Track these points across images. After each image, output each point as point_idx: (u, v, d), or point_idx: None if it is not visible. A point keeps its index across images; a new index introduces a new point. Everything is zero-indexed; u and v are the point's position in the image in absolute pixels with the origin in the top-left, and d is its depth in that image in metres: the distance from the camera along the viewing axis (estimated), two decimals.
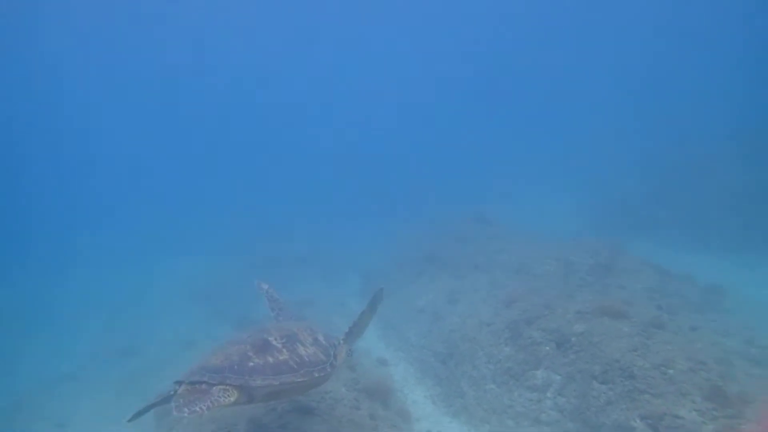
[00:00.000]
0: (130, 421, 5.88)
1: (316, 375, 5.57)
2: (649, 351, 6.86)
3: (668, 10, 39.21)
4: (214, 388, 5.01)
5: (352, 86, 58.35)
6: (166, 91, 56.57)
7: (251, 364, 5.30)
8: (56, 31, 43.55)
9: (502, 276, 11.27)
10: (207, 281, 20.83)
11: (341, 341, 6.31)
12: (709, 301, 10.22)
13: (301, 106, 57.33)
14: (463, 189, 26.89)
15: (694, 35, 36.21)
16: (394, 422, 7.40)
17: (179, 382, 5.21)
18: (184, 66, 55.45)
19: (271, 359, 5.43)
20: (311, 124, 53.48)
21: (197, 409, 4.71)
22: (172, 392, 5.27)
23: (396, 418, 7.65)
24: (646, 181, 19.04)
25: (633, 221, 17.35)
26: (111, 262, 26.79)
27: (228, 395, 4.99)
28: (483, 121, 44.14)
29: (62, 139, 53.76)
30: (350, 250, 22.28)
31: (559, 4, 47.46)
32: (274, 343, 5.66)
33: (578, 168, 25.39)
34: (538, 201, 23.31)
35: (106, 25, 45.62)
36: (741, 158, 16.46)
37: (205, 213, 34.30)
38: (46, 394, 13.96)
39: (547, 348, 7.82)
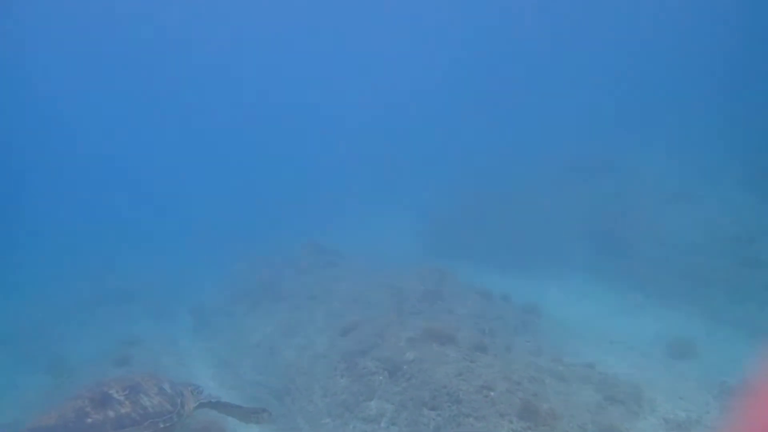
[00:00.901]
0: None
1: (162, 426, 5.50)
2: (473, 374, 7.28)
3: None
4: None
5: None
6: None
7: (89, 420, 5.14)
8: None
9: (338, 306, 11.34)
10: (10, 322, 18.36)
11: (191, 391, 6.30)
12: (526, 322, 11.19)
13: None
14: (298, 217, 26.75)
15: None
16: None
17: None
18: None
19: (112, 413, 5.28)
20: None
21: None
22: None
23: None
24: (466, 206, 20.50)
25: (457, 244, 18.59)
26: None
27: None
28: (309, 144, 44.01)
29: None
30: (180, 284, 21.05)
31: None
32: (116, 395, 5.48)
33: (410, 191, 26.48)
34: (375, 225, 23.99)
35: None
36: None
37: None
38: None
39: (381, 377, 7.96)
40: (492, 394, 6.87)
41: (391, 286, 11.34)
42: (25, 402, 11.84)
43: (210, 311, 15.66)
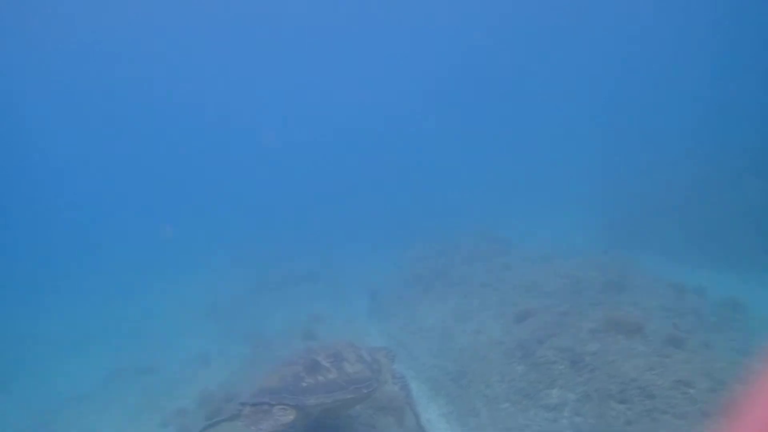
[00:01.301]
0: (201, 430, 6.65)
1: (365, 392, 6.09)
2: (667, 370, 6.73)
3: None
4: (275, 408, 5.59)
5: (347, 99, 58.10)
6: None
7: (304, 384, 5.84)
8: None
9: (511, 293, 11.17)
10: (215, 300, 20.87)
11: (384, 355, 7.02)
12: (728, 320, 10.05)
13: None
14: (468, 206, 26.88)
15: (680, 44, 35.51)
16: None
17: (244, 404, 5.80)
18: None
19: (322, 378, 5.95)
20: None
21: (263, 428, 5.35)
22: (237, 412, 5.98)
23: None
24: (655, 193, 18.92)
25: (641, 236, 17.27)
26: (116, 283, 26.73)
27: (287, 414, 5.54)
28: (481, 134, 43.83)
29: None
30: (357, 268, 22.27)
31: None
32: (323, 363, 6.14)
33: (584, 181, 25.29)
34: (544, 216, 23.24)
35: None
36: (756, 173, 16.45)
37: (205, 230, 34.28)
38: (63, 414, 13.91)
39: (561, 367, 7.71)
40: (691, 391, 6.31)
41: (567, 276, 10.90)
42: (231, 367, 13.36)
43: (385, 294, 16.34)
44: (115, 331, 20.42)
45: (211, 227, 35.02)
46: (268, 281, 21.71)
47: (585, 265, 11.30)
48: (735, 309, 10.19)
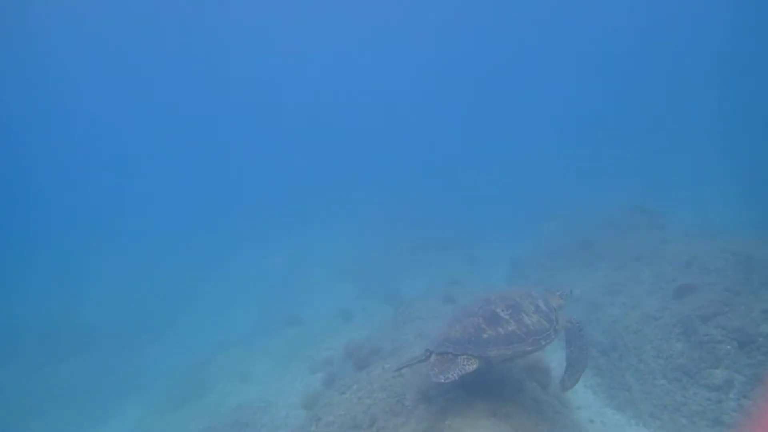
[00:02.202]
0: (395, 371, 7.35)
1: (543, 343, 6.27)
2: None
3: None
4: (459, 358, 5.96)
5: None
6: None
7: (485, 336, 6.13)
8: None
9: (669, 269, 10.62)
10: (355, 262, 21.94)
11: (558, 296, 7.17)
12: None
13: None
14: (615, 178, 25.62)
15: None
16: (556, 408, 7.36)
17: (430, 352, 6.25)
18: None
19: (501, 330, 6.20)
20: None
21: (450, 376, 5.73)
22: (423, 357, 6.34)
23: (557, 404, 7.60)
24: None
25: None
26: (263, 244, 29.03)
27: (470, 363, 5.89)
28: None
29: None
30: (493, 239, 22.26)
31: None
32: (502, 314, 6.37)
33: (742, 154, 22.99)
34: (698, 190, 21.53)
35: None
36: None
37: (346, 198, 35.84)
38: (217, 358, 15.64)
39: (728, 347, 7.31)
40: None
41: (735, 253, 10.12)
42: (373, 324, 14.11)
43: (525, 263, 16.23)
44: (261, 286, 22.36)
45: (342, 195, 36.57)
46: (401, 246, 22.40)
47: (757, 243, 10.42)
48: None
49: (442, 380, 5.75)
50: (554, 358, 9.82)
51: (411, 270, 19.74)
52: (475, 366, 5.90)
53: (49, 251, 31.71)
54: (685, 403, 7.22)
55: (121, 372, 16.74)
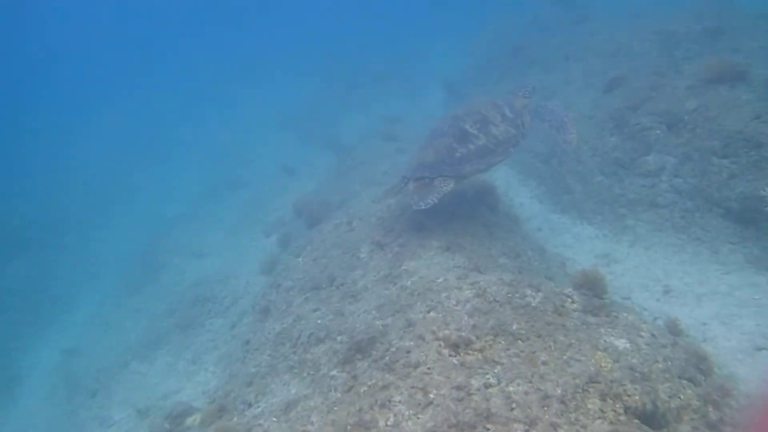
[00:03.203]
0: (376, 201, 7.49)
1: (511, 150, 6.64)
2: None
3: None
4: (435, 180, 6.26)
5: None
6: None
7: (458, 155, 6.40)
8: None
9: (597, 62, 10.53)
10: (293, 111, 21.39)
11: (522, 96, 7.23)
12: None
13: None
14: None
15: None
16: (506, 227, 7.61)
17: (407, 179, 6.59)
18: None
19: (472, 146, 6.46)
20: None
21: (430, 200, 6.06)
22: (401, 185, 6.74)
23: (507, 222, 7.86)
24: None
25: None
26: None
27: (447, 184, 6.22)
28: None
29: None
30: (427, 60, 21.68)
31: None
32: (471, 130, 6.57)
33: None
34: None
35: None
36: None
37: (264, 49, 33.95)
38: (172, 233, 15.62)
39: (658, 132, 7.47)
40: None
41: (658, 32, 9.98)
42: (318, 176, 14.05)
43: (459, 84, 15.96)
44: (196, 152, 21.82)
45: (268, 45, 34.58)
46: (335, 86, 21.77)
47: (678, 17, 10.27)
48: None
49: (423, 206, 6.03)
50: (498, 176, 10.05)
51: (348, 111, 19.40)
52: (451, 185, 6.23)
53: None
54: (623, 194, 7.53)
55: (70, 265, 16.67)
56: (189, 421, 6.42)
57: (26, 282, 15.90)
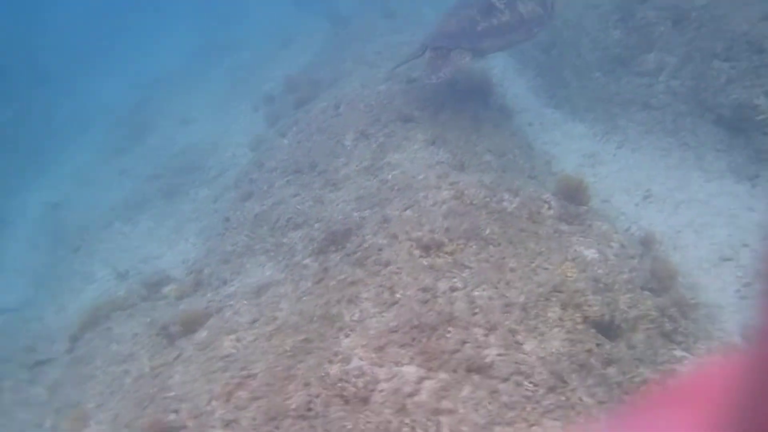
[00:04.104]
0: (391, 70, 7.59)
1: (535, 30, 6.55)
2: None
3: None
4: (452, 52, 6.15)
5: None
6: None
7: (479, 28, 6.23)
8: None
9: None
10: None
11: None
12: None
13: None
14: None
15: None
16: (496, 121, 7.46)
17: (425, 46, 6.40)
18: None
19: (495, 21, 6.27)
20: None
21: (442, 74, 6.06)
22: (419, 53, 6.56)
23: (497, 116, 7.70)
24: None
25: None
26: None
27: (463, 57, 6.16)
28: None
29: None
30: None
31: None
32: (497, 4, 6.34)
33: None
34: None
35: None
36: None
37: None
38: (162, 93, 15.33)
39: (662, 28, 7.08)
40: None
41: None
42: (313, 47, 13.40)
43: None
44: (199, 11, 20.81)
45: None
46: None
47: None
48: None
49: (434, 80, 6.09)
50: (496, 63, 9.69)
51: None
52: (468, 59, 6.19)
53: None
54: (618, 93, 7.31)
55: (58, 116, 16.51)
56: (165, 290, 6.63)
57: (14, 128, 15.77)
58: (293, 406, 3.23)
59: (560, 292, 3.77)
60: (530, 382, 3.18)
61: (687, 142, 6.39)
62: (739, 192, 5.60)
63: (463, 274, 3.95)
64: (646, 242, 4.71)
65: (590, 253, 4.17)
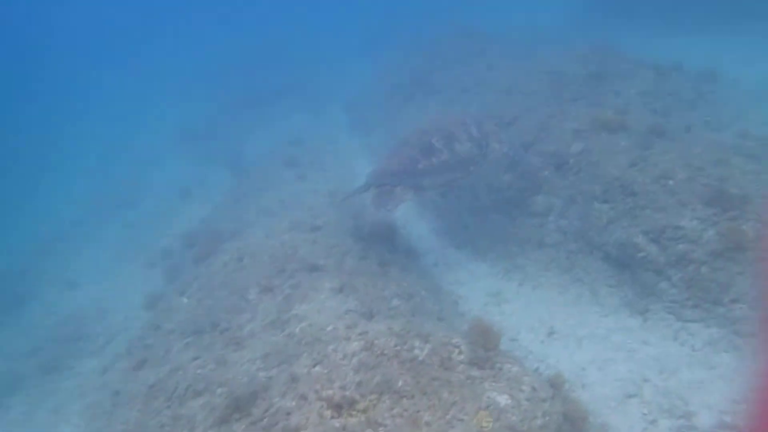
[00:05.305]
0: (340, 201, 8.38)
1: (471, 168, 7.00)
2: (648, 164, 6.77)
3: None
4: (396, 189, 6.59)
5: None
6: None
7: (420, 166, 6.71)
8: None
9: (493, 97, 10.82)
10: (193, 124, 20.52)
11: (495, 124, 7.91)
12: (703, 94, 9.99)
13: None
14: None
15: None
16: (402, 265, 7.57)
17: (369, 184, 6.83)
18: None
19: (435, 160, 6.76)
20: None
21: (389, 208, 6.48)
22: (364, 189, 6.96)
23: (403, 260, 7.83)
24: None
25: (620, 7, 16.80)
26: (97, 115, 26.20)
27: (406, 193, 6.61)
28: None
29: None
30: (331, 79, 21.61)
31: None
32: (437, 144, 6.85)
33: None
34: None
35: None
36: None
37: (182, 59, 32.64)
38: (47, 255, 14.20)
39: (546, 172, 7.76)
40: (671, 182, 6.40)
41: (549, 72, 10.46)
42: (214, 199, 13.31)
43: (363, 107, 16.03)
44: (93, 159, 20.35)
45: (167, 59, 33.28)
46: (239, 99, 21.14)
47: (565, 58, 10.82)
48: (710, 79, 10.15)
49: (383, 212, 6.58)
50: (399, 209, 10.03)
51: (251, 127, 18.82)
52: (410, 195, 6.67)
53: None
54: (515, 233, 7.73)
55: None
56: None
57: None
58: None
59: None
60: None
61: (581, 279, 6.75)
62: (633, 326, 5.87)
63: None
64: (555, 383, 4.71)
65: (503, 399, 4.09)
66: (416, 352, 4.58)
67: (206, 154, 17.47)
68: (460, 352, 4.65)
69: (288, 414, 4.07)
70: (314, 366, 4.58)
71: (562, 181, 7.52)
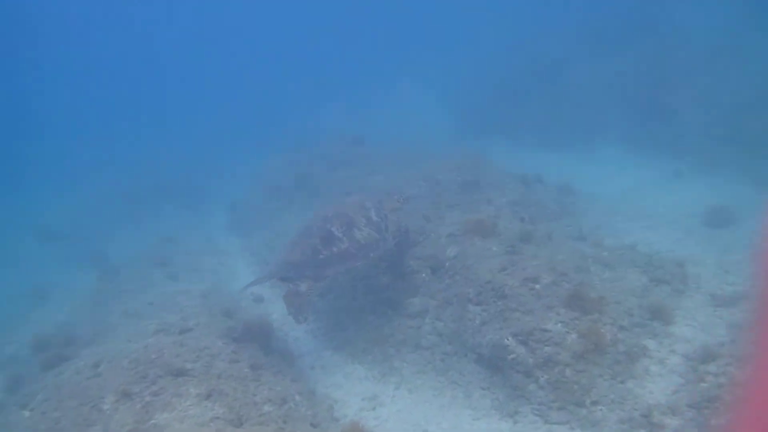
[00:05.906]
0: (241, 290, 8.64)
1: (372, 255, 7.18)
2: (517, 268, 7.16)
3: None
4: (302, 285, 6.73)
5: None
6: None
7: (321, 257, 6.88)
8: None
9: None
10: (54, 219, 18.96)
11: (396, 200, 8.22)
12: (564, 205, 11.00)
13: None
14: (327, 109, 26.42)
15: None
16: (277, 368, 7.25)
17: (272, 274, 7.09)
18: None
19: (335, 249, 6.94)
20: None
21: (304, 316, 6.78)
22: (266, 279, 7.49)
23: (278, 362, 7.51)
24: (498, 88, 19.86)
25: (489, 123, 18.72)
26: None
27: (312, 288, 6.85)
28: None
29: None
30: (213, 180, 21.32)
31: None
32: (337, 233, 7.04)
33: (443, 74, 25.61)
34: (403, 108, 23.61)
35: None
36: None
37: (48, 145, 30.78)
38: None
39: (423, 275, 7.95)
40: (537, 286, 6.78)
41: (428, 179, 11.04)
42: (74, 302, 12.02)
43: (245, 208, 15.83)
44: None
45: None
46: (114, 197, 20.10)
47: (443, 166, 11.50)
48: (567, 193, 11.35)
49: (301, 321, 6.74)
50: (276, 308, 9.76)
51: (122, 225, 17.75)
52: (315, 288, 6.97)
53: None
54: (392, 334, 7.71)
55: None
56: None
57: None
58: None
59: None
60: None
61: (456, 381, 6.77)
62: (503, 429, 5.91)
63: None
64: None
65: None
66: None
67: (70, 253, 16.12)
68: None
69: None
70: None
71: (438, 283, 7.72)
